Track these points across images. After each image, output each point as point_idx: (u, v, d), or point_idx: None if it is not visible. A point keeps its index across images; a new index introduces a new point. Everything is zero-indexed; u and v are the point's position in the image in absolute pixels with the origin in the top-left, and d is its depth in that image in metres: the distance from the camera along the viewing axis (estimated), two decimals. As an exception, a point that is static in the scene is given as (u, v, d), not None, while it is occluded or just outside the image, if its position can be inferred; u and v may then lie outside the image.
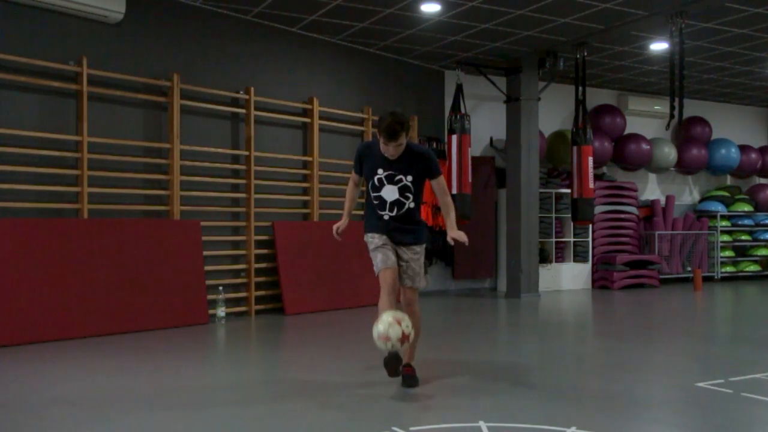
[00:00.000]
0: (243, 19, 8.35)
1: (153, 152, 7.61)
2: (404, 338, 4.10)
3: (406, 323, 4.13)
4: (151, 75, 7.57)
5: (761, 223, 13.39)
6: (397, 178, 4.48)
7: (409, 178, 4.48)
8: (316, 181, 8.86)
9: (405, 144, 4.43)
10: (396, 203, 4.52)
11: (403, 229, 4.56)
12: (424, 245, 4.70)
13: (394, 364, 4.21)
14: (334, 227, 4.78)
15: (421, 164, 4.50)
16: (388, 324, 4.09)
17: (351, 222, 4.87)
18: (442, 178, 4.64)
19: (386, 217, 4.54)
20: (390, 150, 4.39)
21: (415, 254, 4.61)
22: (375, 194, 4.57)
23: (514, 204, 10.20)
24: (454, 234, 4.48)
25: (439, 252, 10.56)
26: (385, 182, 4.51)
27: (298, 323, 7.70)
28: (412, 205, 4.54)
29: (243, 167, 8.27)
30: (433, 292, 10.53)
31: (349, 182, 4.88)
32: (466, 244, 4.47)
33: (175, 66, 7.72)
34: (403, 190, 4.50)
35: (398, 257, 4.57)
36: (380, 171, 4.51)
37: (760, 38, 9.32)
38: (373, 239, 4.57)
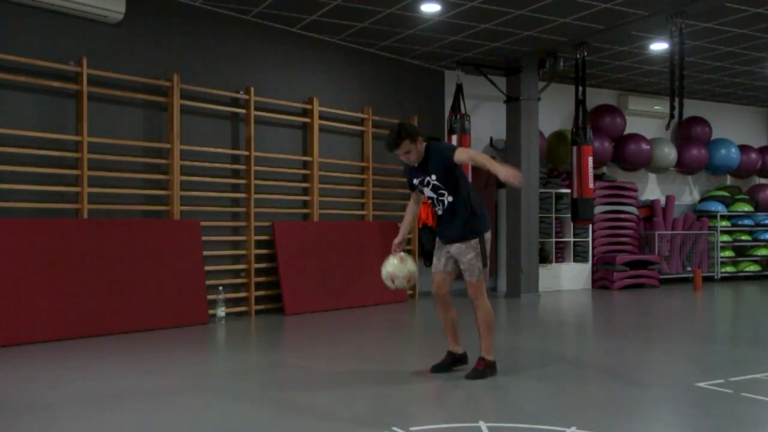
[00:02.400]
0: (243, 19, 8.35)
1: (153, 152, 7.61)
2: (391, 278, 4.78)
3: (399, 275, 4.77)
4: (151, 75, 7.57)
5: (761, 223, 13.39)
6: (426, 180, 4.81)
7: (434, 177, 4.75)
8: (316, 181, 8.86)
9: (420, 149, 4.75)
10: (438, 201, 4.85)
11: (449, 224, 4.82)
12: (473, 240, 4.75)
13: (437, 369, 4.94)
14: (393, 243, 4.99)
15: (435, 160, 4.75)
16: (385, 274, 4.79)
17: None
18: (460, 150, 4.74)
19: (440, 212, 4.88)
20: (405, 159, 4.78)
21: (460, 250, 4.78)
22: (425, 196, 4.98)
23: (514, 204, 10.20)
24: (504, 173, 4.38)
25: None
26: (423, 186, 4.86)
27: (298, 323, 7.70)
28: (450, 199, 4.78)
29: (243, 167, 8.27)
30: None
31: (410, 200, 5.19)
32: (519, 182, 4.42)
33: (175, 66, 7.72)
34: (435, 189, 4.80)
35: (453, 256, 4.85)
36: (415, 180, 4.89)
37: (760, 38, 9.32)
38: (437, 242, 4.99)
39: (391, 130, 4.79)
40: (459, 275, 4.90)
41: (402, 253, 4.86)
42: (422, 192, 4.92)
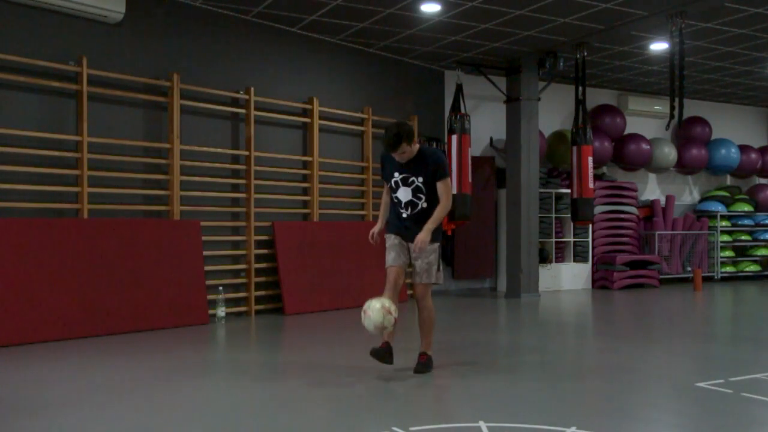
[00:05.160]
0: (243, 19, 8.35)
1: (153, 152, 7.61)
2: (396, 321, 4.66)
3: (394, 309, 4.64)
4: (151, 75, 7.56)
5: (761, 223, 13.38)
6: (410, 180, 4.88)
7: (420, 179, 4.87)
8: (316, 181, 8.86)
9: (413, 149, 4.85)
10: (410, 203, 4.92)
11: (416, 228, 4.88)
12: (436, 244, 5.00)
13: (383, 356, 4.80)
14: (371, 232, 5.15)
15: (431, 166, 4.88)
16: (381, 315, 4.57)
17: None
18: (447, 181, 4.96)
19: (404, 215, 4.96)
20: (397, 156, 4.85)
21: (425, 252, 4.93)
22: (394, 195, 5.00)
23: (514, 204, 10.20)
24: (420, 236, 4.81)
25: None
26: (401, 184, 4.92)
27: (298, 323, 7.70)
28: (425, 205, 4.92)
29: (243, 167, 8.27)
30: (433, 292, 10.44)
31: (384, 190, 5.23)
32: (415, 250, 4.86)
33: (175, 66, 7.72)
34: (415, 191, 4.90)
35: (410, 256, 5.00)
36: (396, 174, 4.93)
37: (760, 38, 9.31)
38: (389, 238, 5.04)
39: (389, 129, 4.80)
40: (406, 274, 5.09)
41: (386, 301, 4.71)
42: (394, 189, 4.94)
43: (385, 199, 5.20)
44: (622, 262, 11.41)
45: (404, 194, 4.90)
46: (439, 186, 4.89)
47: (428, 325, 5.06)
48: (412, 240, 4.90)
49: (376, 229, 5.13)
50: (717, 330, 7.79)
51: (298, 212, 8.86)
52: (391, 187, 5.00)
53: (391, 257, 4.96)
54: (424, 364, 4.96)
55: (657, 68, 10.80)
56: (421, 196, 4.87)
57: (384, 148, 4.85)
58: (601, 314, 9.18)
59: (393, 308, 4.63)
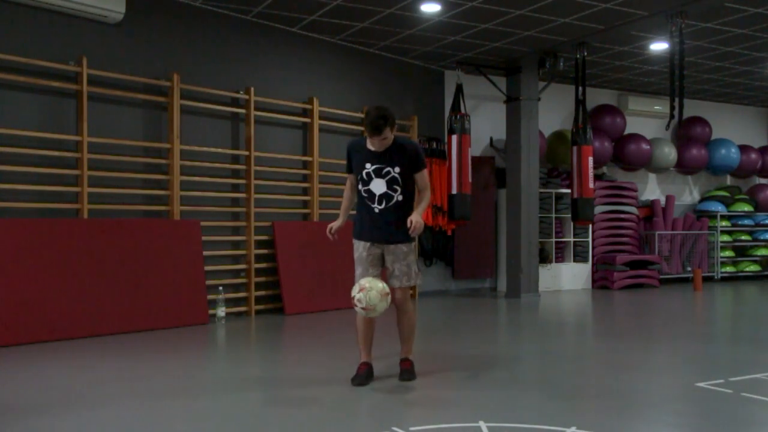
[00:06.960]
0: (243, 19, 8.35)
1: (153, 152, 7.61)
2: (368, 309, 4.33)
3: (372, 290, 4.32)
4: (151, 75, 7.57)
5: (761, 223, 13.38)
6: (385, 170, 4.57)
7: (397, 169, 4.57)
8: (316, 181, 8.86)
9: (392, 138, 4.57)
10: (384, 196, 4.59)
11: (391, 223, 4.60)
12: (412, 243, 4.72)
13: (363, 382, 4.57)
14: (329, 227, 4.82)
15: (407, 156, 4.61)
16: (377, 299, 4.32)
17: (350, 223, 4.88)
18: (425, 172, 4.73)
19: (376, 210, 4.60)
20: (375, 143, 4.55)
21: (402, 252, 4.64)
22: (365, 188, 4.64)
23: (514, 204, 10.20)
24: (415, 218, 4.50)
25: (439, 252, 10.57)
26: (374, 175, 4.59)
27: (298, 323, 7.70)
28: (400, 198, 4.62)
29: (243, 167, 8.27)
30: (433, 292, 10.53)
31: (346, 184, 4.93)
32: (412, 234, 4.52)
33: (175, 66, 7.72)
34: (391, 183, 4.58)
35: (383, 259, 4.69)
36: (368, 165, 4.60)
37: (760, 38, 9.31)
38: (356, 247, 4.71)
39: (370, 112, 4.51)
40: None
41: (374, 283, 4.40)
42: (366, 181, 4.59)
43: (347, 194, 4.86)
44: (622, 262, 11.41)
45: (378, 186, 4.56)
46: (419, 177, 4.65)
47: (410, 330, 4.76)
48: (383, 240, 4.60)
49: (335, 225, 4.75)
50: (717, 330, 7.79)
51: (298, 212, 8.86)
52: (361, 179, 4.60)
53: (358, 273, 4.63)
54: (409, 371, 4.69)
55: (657, 68, 10.80)
56: (397, 187, 4.55)
57: (368, 130, 4.49)
58: (601, 314, 9.18)
59: (371, 292, 4.32)
